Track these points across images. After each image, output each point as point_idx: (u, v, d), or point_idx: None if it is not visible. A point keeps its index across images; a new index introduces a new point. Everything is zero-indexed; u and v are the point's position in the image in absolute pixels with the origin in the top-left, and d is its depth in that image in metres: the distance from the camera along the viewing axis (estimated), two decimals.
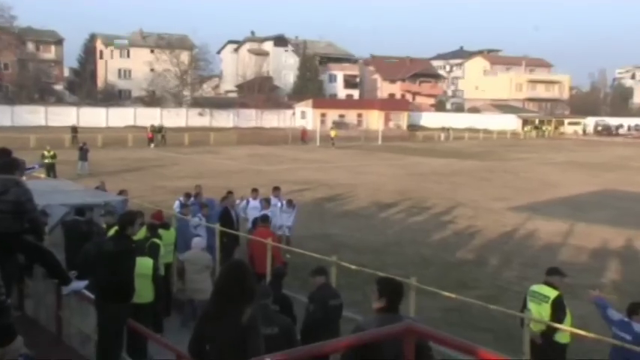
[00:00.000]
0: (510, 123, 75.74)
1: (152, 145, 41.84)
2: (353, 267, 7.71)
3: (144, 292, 6.72)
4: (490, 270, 12.22)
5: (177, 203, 12.32)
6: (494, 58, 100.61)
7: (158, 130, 45.06)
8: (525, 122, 77.08)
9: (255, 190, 13.13)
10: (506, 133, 67.07)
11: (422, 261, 12.71)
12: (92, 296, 5.97)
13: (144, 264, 6.81)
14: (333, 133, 48.24)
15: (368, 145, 48.37)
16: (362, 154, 40.75)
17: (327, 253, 9.36)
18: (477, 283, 11.18)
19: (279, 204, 12.82)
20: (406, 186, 24.37)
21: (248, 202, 12.82)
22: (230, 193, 12.04)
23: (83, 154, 26.66)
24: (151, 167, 29.14)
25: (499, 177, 28.77)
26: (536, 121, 77.86)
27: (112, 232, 8.32)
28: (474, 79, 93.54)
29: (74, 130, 42.20)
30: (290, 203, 13.00)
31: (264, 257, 8.72)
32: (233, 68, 79.88)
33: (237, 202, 12.51)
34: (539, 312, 6.24)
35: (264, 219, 10.02)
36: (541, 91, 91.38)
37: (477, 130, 67.94)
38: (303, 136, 48.78)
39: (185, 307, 8.87)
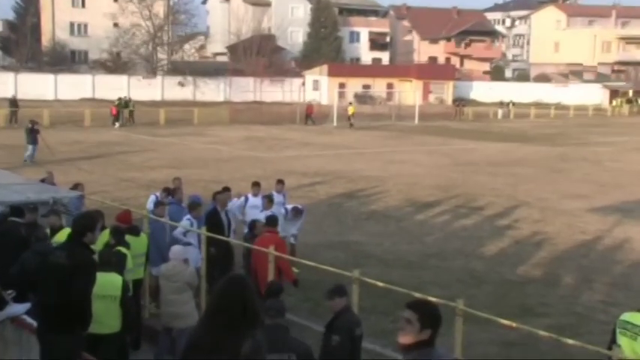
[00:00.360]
0: (593, 95, 75.13)
1: (117, 125, 42.15)
2: (380, 284, 7.69)
3: (108, 319, 6.73)
4: (564, 291, 12.13)
5: (151, 199, 12.38)
6: (573, 7, 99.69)
7: (125, 104, 45.33)
8: (614, 94, 76.37)
9: (256, 185, 13.16)
10: (586, 108, 66.51)
11: (471, 278, 12.66)
12: (35, 324, 6.00)
13: (110, 282, 6.82)
14: (351, 110, 47.61)
15: (401, 126, 48.23)
16: (393, 137, 40.68)
17: (347, 267, 9.32)
18: (547, 308, 11.11)
19: (283, 209, 12.81)
20: (451, 179, 24.29)
21: (247, 199, 12.87)
22: (226, 189, 12.11)
23: (33, 135, 26.91)
24: (115, 154, 29.35)
25: (576, 167, 28.54)
26: (630, 93, 77.06)
27: (58, 237, 8.42)
28: (544, 37, 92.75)
29: (13, 103, 42.55)
30: (296, 211, 13.01)
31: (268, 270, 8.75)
32: (223, 24, 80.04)
33: (234, 199, 12.57)
34: (635, 349, 6.15)
35: (271, 221, 10.02)
36: (637, 53, 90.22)
37: (546, 106, 67.39)
38: (309, 114, 48.50)
39: (160, 338, 8.91)
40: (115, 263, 7.42)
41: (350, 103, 50.96)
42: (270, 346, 5.14)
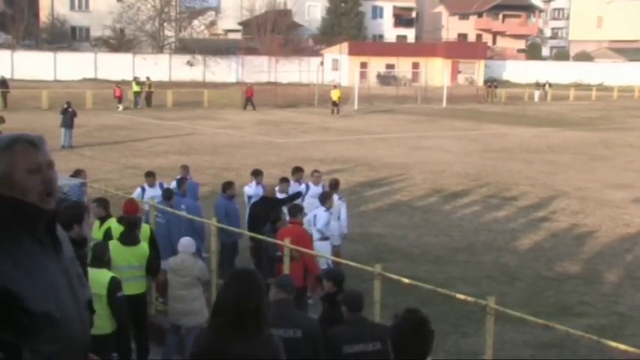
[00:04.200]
0: None
1: (120, 107, 42.37)
2: (405, 280, 7.69)
3: (97, 319, 6.79)
4: (606, 289, 12.07)
5: (172, 186, 12.70)
6: None
7: (140, 85, 45.15)
8: None
9: (284, 181, 13.04)
10: (632, 89, 65.79)
11: (503, 274, 12.64)
12: None
13: (96, 279, 6.86)
14: (335, 95, 42.91)
15: (427, 109, 48.04)
16: (418, 121, 40.55)
17: (369, 261, 9.33)
18: (587, 307, 11.07)
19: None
20: (482, 167, 24.21)
21: (308, 187, 13.05)
22: (299, 169, 13.02)
23: (68, 118, 27.10)
24: (119, 138, 29.52)
25: (620, 154, 28.31)
26: None
27: (105, 227, 8.59)
28: (586, 11, 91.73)
29: (3, 84, 42.84)
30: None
31: (298, 268, 8.75)
32: None
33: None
34: None
35: (292, 211, 9.95)
36: None
37: (587, 87, 66.75)
38: (248, 97, 44.54)
39: (168, 337, 8.99)
40: (109, 259, 7.49)
41: (334, 87, 45.68)
42: (275, 321, 5.21)
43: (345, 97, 47.96)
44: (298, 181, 13.39)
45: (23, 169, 2.49)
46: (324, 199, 11.17)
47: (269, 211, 10.55)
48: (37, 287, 2.43)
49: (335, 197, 11.78)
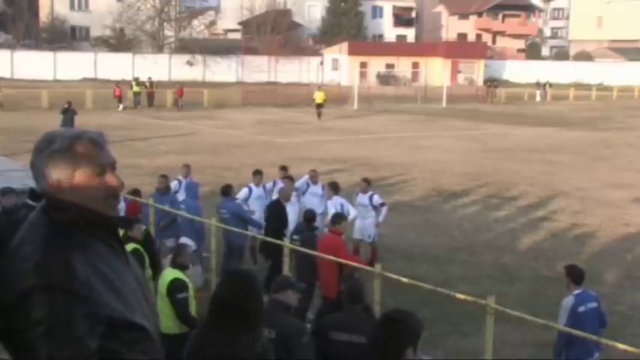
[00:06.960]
0: None
1: (121, 107, 42.37)
2: (404, 280, 7.69)
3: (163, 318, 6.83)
4: (606, 289, 12.04)
5: (174, 185, 12.76)
6: None
7: (140, 85, 45.02)
8: None
9: (287, 175, 13.17)
10: (632, 89, 65.78)
11: (503, 274, 12.65)
12: None
13: (163, 277, 7.25)
14: (319, 97, 39.67)
15: (427, 109, 48.04)
16: (419, 121, 40.54)
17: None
18: None
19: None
20: (481, 167, 24.21)
21: (309, 186, 13.24)
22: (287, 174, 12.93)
23: (68, 117, 27.02)
24: (118, 138, 29.44)
25: (620, 154, 28.30)
26: None
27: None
28: (586, 11, 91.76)
29: None
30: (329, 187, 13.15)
31: (334, 276, 8.67)
32: None
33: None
34: None
35: (334, 219, 9.74)
36: None
37: (587, 87, 66.72)
38: (178, 97, 43.98)
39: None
40: (184, 261, 7.57)
41: (318, 87, 43.92)
42: None
43: (344, 97, 48.02)
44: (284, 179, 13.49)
45: (85, 172, 2.25)
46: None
47: (278, 214, 10.63)
48: (127, 303, 2.19)
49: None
